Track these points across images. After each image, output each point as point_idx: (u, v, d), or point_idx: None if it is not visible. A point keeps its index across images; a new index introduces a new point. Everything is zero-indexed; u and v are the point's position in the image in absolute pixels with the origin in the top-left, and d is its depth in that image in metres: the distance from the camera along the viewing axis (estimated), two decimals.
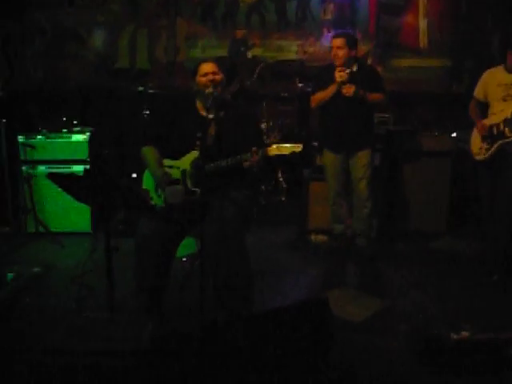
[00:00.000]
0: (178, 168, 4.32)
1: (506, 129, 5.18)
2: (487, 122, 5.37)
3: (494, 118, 5.33)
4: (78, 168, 6.51)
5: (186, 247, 4.98)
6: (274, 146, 4.04)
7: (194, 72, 4.45)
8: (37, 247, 6.33)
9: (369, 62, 8.14)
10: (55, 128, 6.79)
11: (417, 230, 6.56)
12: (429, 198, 6.55)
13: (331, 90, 5.62)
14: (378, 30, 8.23)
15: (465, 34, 8.35)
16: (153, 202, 4.30)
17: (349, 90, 5.50)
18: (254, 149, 4.04)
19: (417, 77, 8.31)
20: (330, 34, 6.17)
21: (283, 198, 7.11)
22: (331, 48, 5.67)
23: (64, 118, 7.06)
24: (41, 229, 6.55)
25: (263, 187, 7.05)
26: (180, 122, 4.43)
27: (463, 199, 6.65)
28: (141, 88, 7.42)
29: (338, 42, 5.59)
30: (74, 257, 5.84)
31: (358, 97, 5.53)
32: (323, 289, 5.22)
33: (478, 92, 5.58)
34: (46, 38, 8.09)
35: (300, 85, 7.35)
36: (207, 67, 4.40)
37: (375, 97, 5.66)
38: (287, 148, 4.04)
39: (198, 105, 4.49)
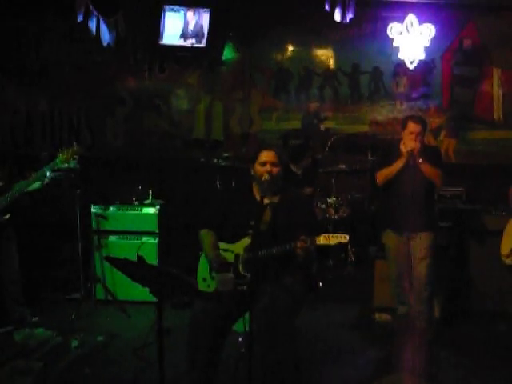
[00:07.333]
0: (232, 252, 4.40)
1: None
2: None
3: None
4: (148, 239, 6.74)
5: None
6: (322, 237, 4.11)
7: (254, 158, 4.55)
8: (103, 315, 6.54)
9: (442, 135, 8.11)
10: (131, 196, 7.06)
11: (484, 311, 6.40)
12: (497, 279, 6.35)
13: (400, 162, 5.61)
14: (451, 103, 8.18)
15: None
16: (206, 285, 4.42)
17: (415, 145, 5.48)
18: (302, 237, 4.11)
19: (492, 149, 8.18)
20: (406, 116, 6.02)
21: (350, 272, 7.07)
22: (405, 129, 5.63)
23: (140, 187, 7.28)
24: (109, 297, 6.74)
25: (331, 262, 7.04)
26: (237, 207, 4.53)
27: None
28: (215, 160, 7.60)
29: (417, 128, 5.56)
30: (137, 327, 6.00)
31: (417, 159, 5.49)
32: (379, 373, 5.12)
33: None
34: (126, 108, 8.41)
35: (372, 158, 7.34)
36: (267, 156, 4.49)
37: (432, 170, 5.57)
38: (334, 238, 4.10)
39: (255, 188, 4.59)
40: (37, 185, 5.85)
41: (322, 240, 4.11)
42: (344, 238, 4.10)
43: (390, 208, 5.87)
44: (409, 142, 5.55)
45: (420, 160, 5.51)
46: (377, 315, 6.33)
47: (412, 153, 5.50)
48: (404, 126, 5.66)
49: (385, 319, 6.27)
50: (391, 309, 6.17)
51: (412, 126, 5.57)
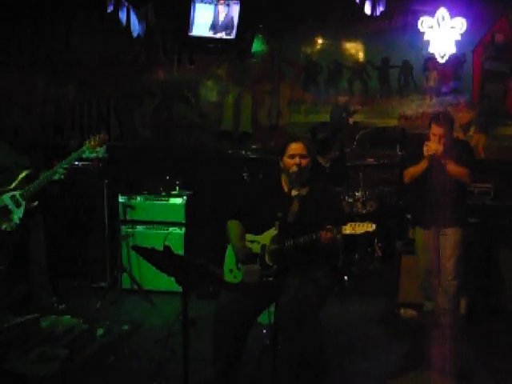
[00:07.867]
0: (259, 243, 4.41)
1: None
2: None
3: None
4: (175, 229, 6.78)
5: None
6: (348, 226, 4.10)
7: (283, 151, 4.55)
8: (129, 304, 6.62)
9: (472, 130, 8.01)
10: (158, 187, 7.10)
11: (510, 309, 6.30)
12: None
13: (423, 164, 5.54)
14: (481, 98, 8.06)
15: None
16: (232, 276, 4.42)
17: (437, 148, 5.39)
18: (328, 227, 4.10)
19: None
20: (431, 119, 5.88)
21: (376, 266, 7.02)
22: (429, 129, 5.55)
23: (167, 178, 7.31)
24: (135, 286, 6.79)
25: (357, 255, 7.00)
26: (264, 199, 4.54)
27: None
28: (243, 151, 7.61)
29: (440, 130, 5.44)
30: (162, 316, 6.09)
31: (441, 161, 5.42)
32: (403, 368, 5.09)
33: None
34: (155, 99, 8.44)
35: (400, 152, 7.27)
36: (296, 148, 4.50)
37: (458, 170, 5.49)
38: (361, 227, 4.09)
39: (283, 180, 4.59)
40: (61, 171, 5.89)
41: (348, 229, 4.11)
42: (370, 227, 4.08)
43: (419, 204, 5.84)
44: (431, 144, 5.44)
45: (445, 161, 5.45)
46: (402, 310, 6.29)
47: (434, 156, 5.43)
48: (428, 126, 5.59)
49: (410, 315, 6.23)
50: (417, 304, 6.15)
51: (434, 129, 5.47)
